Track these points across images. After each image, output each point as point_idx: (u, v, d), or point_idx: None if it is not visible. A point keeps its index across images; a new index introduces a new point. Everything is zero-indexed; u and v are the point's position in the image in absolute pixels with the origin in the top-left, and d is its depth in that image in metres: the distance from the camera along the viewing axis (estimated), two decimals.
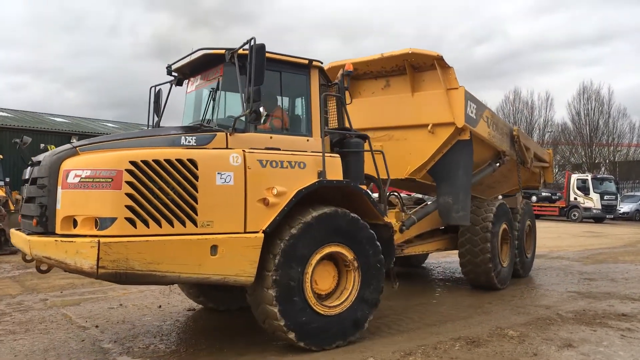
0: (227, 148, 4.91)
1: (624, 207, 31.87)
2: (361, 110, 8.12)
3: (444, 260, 12.38)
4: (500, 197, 11.07)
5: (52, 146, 6.18)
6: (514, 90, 56.98)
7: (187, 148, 4.74)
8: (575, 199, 29.94)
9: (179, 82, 6.27)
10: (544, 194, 31.34)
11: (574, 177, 31.30)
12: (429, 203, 8.50)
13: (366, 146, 6.22)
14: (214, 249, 4.52)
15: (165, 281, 4.45)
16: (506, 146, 9.37)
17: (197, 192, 4.55)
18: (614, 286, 9.19)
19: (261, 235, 4.79)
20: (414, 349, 5.33)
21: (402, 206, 8.10)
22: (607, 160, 46.97)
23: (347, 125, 6.16)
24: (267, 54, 5.26)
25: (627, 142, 46.74)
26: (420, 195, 10.76)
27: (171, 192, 4.46)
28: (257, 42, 4.85)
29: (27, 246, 4.46)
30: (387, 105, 8.05)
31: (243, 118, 5.04)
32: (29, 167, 5.02)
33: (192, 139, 4.85)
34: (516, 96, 51.47)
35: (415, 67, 7.75)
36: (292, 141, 5.48)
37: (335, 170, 5.55)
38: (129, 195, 4.28)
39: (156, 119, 6.41)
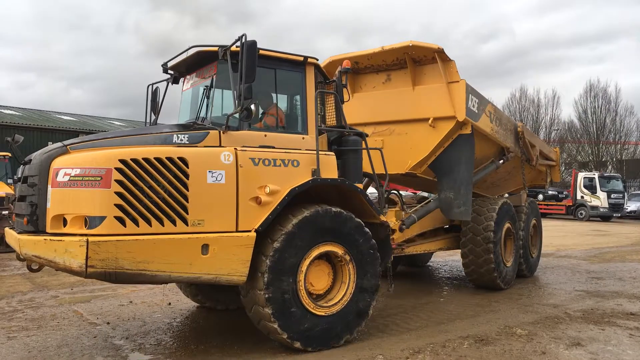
0: (220, 146, 4.86)
1: (631, 206, 31.49)
2: (362, 104, 8.08)
3: (451, 259, 12.31)
4: (506, 195, 10.93)
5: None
6: (520, 88, 56.81)
7: (179, 146, 4.69)
8: (582, 197, 29.67)
9: (175, 80, 6.23)
10: (550, 192, 31.09)
11: (581, 175, 31.02)
12: (430, 201, 8.40)
13: (364, 144, 6.15)
14: (205, 248, 4.47)
15: (156, 280, 4.41)
16: (510, 142, 9.23)
17: (187, 190, 4.50)
18: (622, 285, 9.11)
19: (253, 234, 4.73)
20: (422, 347, 5.35)
21: (403, 204, 8.01)
22: (614, 159, 46.69)
23: (342, 123, 6.08)
24: (262, 52, 5.24)
25: (635, 140, 46.45)
26: (426, 194, 10.65)
27: (161, 191, 4.41)
28: (249, 39, 4.79)
29: (17, 245, 4.43)
30: (388, 99, 7.98)
31: (237, 116, 4.98)
32: (22, 166, 4.99)
33: (184, 137, 4.80)
34: (522, 94, 51.36)
35: (416, 61, 7.68)
36: (288, 139, 5.41)
37: (330, 168, 5.48)
38: (118, 193, 4.24)
39: (153, 117, 6.38)
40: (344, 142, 6.03)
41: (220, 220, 4.63)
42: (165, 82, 6.31)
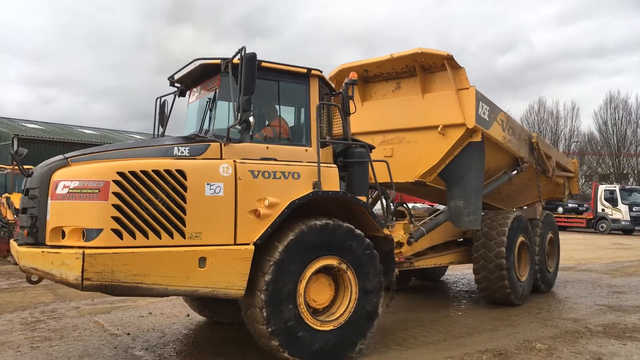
0: (220, 158, 4.83)
1: None
2: (372, 112, 8.04)
3: (469, 272, 12.00)
4: (525, 207, 10.66)
5: None
6: (539, 100, 55.99)
7: (179, 159, 4.68)
8: (603, 210, 29.09)
9: (182, 93, 6.26)
10: (570, 205, 30.56)
11: (602, 188, 30.41)
12: (440, 213, 8.25)
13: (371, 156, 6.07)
14: (202, 261, 4.43)
15: (153, 294, 4.37)
16: (524, 153, 9.04)
17: (185, 203, 4.47)
18: None
19: (251, 247, 4.67)
20: None
21: (411, 217, 7.87)
22: (636, 171, 45.78)
23: (347, 135, 6.02)
24: (265, 64, 5.26)
25: None
26: (442, 207, 10.50)
27: (159, 203, 4.40)
28: (249, 52, 4.78)
29: (17, 256, 4.46)
30: (397, 107, 7.91)
31: (239, 128, 4.96)
32: (26, 178, 5.03)
33: (185, 149, 4.79)
34: (541, 106, 51.00)
35: (425, 68, 7.60)
36: (291, 151, 5.37)
37: (331, 180, 5.40)
38: (115, 206, 4.23)
39: (161, 129, 6.41)
40: (350, 154, 5.97)
41: (218, 233, 4.58)
42: (172, 95, 6.35)
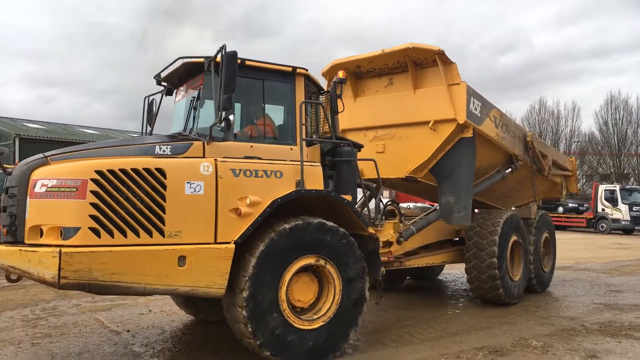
0: (203, 157, 4.80)
1: None
2: (365, 108, 8.01)
3: None
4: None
5: None
6: (540, 100, 55.66)
7: (160, 157, 4.65)
8: (603, 210, 28.97)
9: (169, 92, 6.24)
10: (570, 205, 30.49)
11: (602, 187, 30.27)
12: (432, 212, 8.20)
13: (359, 155, 6.05)
14: (182, 259, 4.40)
15: (131, 292, 4.34)
16: (519, 150, 8.97)
17: (164, 201, 4.45)
18: None
19: (232, 246, 4.63)
20: (436, 358, 5.35)
21: (401, 216, 7.83)
22: (636, 171, 45.69)
23: (334, 134, 5.98)
24: (250, 63, 5.23)
25: None
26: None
27: (137, 202, 4.37)
28: (229, 50, 4.76)
29: None
30: (389, 103, 7.87)
31: (221, 126, 4.93)
32: (7, 177, 5.02)
33: (167, 148, 4.77)
34: (542, 106, 50.79)
35: (417, 64, 7.57)
36: (275, 150, 5.34)
37: (315, 179, 5.37)
38: (93, 204, 4.21)
39: (149, 128, 6.38)
40: (338, 153, 5.93)
41: (198, 231, 4.56)
42: (160, 94, 6.33)
